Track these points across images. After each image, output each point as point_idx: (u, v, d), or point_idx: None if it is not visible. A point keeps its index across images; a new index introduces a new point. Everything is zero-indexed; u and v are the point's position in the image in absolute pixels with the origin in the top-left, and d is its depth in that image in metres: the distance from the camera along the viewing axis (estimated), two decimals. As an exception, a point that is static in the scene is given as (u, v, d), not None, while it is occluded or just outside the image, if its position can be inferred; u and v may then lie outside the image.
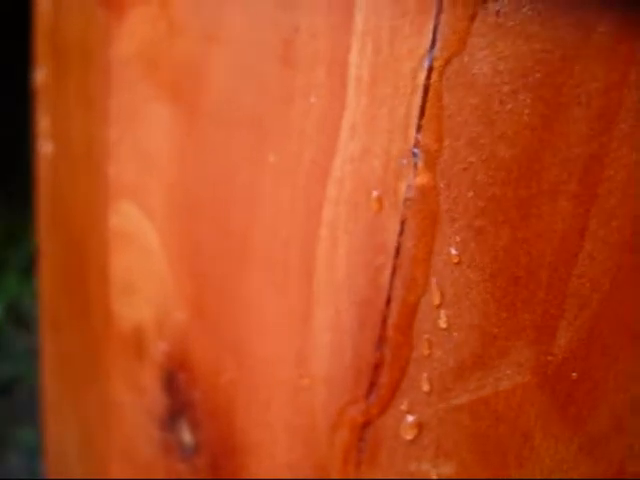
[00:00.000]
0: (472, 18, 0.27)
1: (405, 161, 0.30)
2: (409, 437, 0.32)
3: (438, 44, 0.28)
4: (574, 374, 0.28)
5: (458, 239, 0.29)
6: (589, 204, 0.27)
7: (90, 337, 0.49)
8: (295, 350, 0.35)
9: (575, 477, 0.29)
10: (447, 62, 0.28)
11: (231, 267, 0.37)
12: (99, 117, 0.44)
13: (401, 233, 0.30)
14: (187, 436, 0.42)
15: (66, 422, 0.56)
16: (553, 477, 0.29)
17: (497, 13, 0.27)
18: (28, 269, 1.19)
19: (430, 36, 0.28)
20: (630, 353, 0.27)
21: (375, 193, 0.31)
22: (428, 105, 0.29)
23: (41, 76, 0.54)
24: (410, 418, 0.32)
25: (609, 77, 0.25)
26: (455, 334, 0.30)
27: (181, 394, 0.42)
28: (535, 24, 0.26)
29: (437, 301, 0.30)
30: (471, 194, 0.28)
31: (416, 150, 0.29)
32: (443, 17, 0.28)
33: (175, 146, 0.39)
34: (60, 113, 0.51)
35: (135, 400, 0.45)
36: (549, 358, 0.28)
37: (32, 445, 0.88)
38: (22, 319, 1.14)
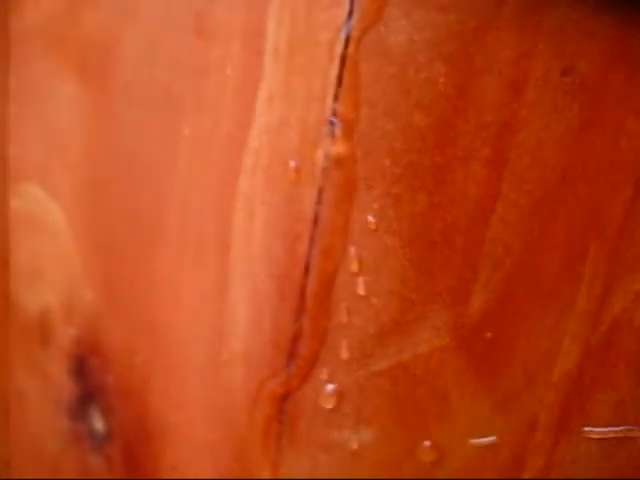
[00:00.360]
0: (388, -12, 0.28)
1: (323, 130, 0.30)
2: (329, 406, 0.32)
3: (355, 15, 0.29)
4: (488, 334, 0.29)
5: (376, 206, 0.30)
6: (501, 169, 0.28)
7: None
8: (212, 326, 0.35)
9: (491, 435, 0.30)
10: (364, 32, 0.29)
11: (144, 245, 0.37)
12: (12, 93, 0.42)
13: (319, 202, 0.31)
14: (98, 423, 0.40)
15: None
16: (470, 437, 0.31)
17: (412, -16, 0.27)
18: None
19: (347, 7, 0.29)
20: (540, 311, 0.29)
21: (292, 163, 0.31)
22: (345, 75, 0.29)
23: None
24: (330, 387, 0.32)
25: (519, 47, 0.27)
26: (374, 300, 0.31)
27: (92, 379, 0.40)
28: (449, -5, 0.27)
29: (355, 269, 0.31)
30: (388, 162, 0.29)
31: (334, 119, 0.30)
32: (360, -13, 0.28)
33: (83, 124, 0.38)
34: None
35: (39, 389, 0.43)
36: (465, 320, 0.29)
37: None
38: None
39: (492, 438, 0.30)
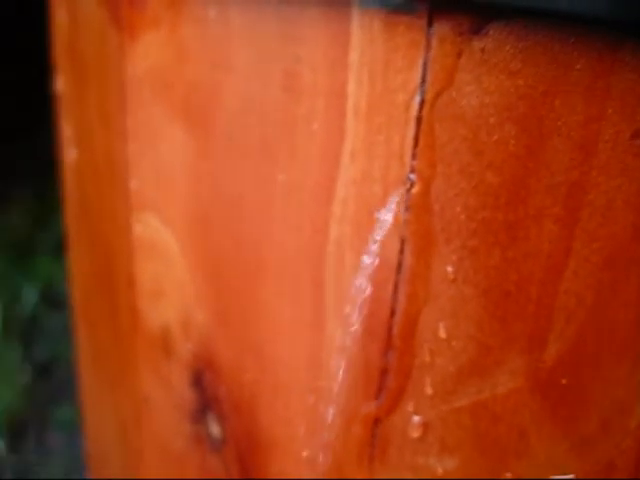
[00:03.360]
0: (459, 55, 0.29)
1: (402, 185, 0.32)
2: (416, 435, 0.35)
3: (428, 78, 0.30)
4: (563, 380, 0.30)
5: (454, 258, 0.31)
6: (572, 227, 0.29)
7: (119, 335, 0.52)
8: (309, 354, 0.38)
9: (569, 473, 0.32)
10: (437, 95, 0.30)
11: (247, 276, 0.40)
12: (118, 132, 0.46)
13: (401, 251, 0.33)
14: (215, 429, 0.45)
15: (102, 410, 0.59)
16: (549, 474, 0.32)
17: (482, 50, 0.28)
18: (58, 250, 1.23)
19: (420, 71, 0.30)
20: (614, 360, 0.30)
21: (377, 214, 0.33)
22: (421, 135, 0.31)
23: (61, 84, 0.56)
24: (416, 418, 0.35)
25: (588, 111, 0.27)
26: (454, 343, 0.32)
27: (208, 390, 0.45)
28: (517, 61, 0.28)
29: (436, 314, 0.32)
30: (463, 217, 0.31)
31: (412, 176, 0.31)
32: (431, 54, 0.29)
33: (190, 164, 0.41)
34: (82, 122, 0.53)
35: (165, 396, 0.48)
36: (540, 366, 0.31)
37: (71, 423, 0.93)
38: (56, 300, 1.18)
39: (570, 476, 0.32)
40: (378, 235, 0.33)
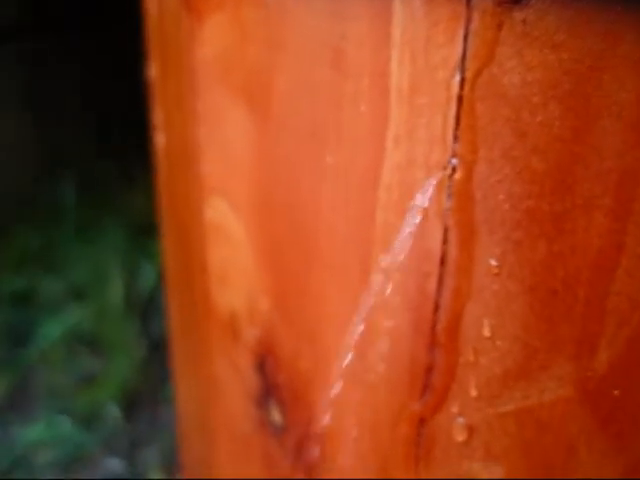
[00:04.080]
0: (499, 27, 0.26)
1: (444, 171, 0.29)
2: (461, 439, 0.32)
3: (468, 53, 0.27)
4: (616, 391, 0.27)
5: (497, 250, 0.29)
6: (625, 220, 0.25)
7: (197, 317, 0.53)
8: (359, 347, 0.36)
9: (622, 492, 0.28)
10: (478, 72, 0.27)
11: (302, 262, 0.39)
12: (190, 116, 0.47)
13: (444, 241, 0.30)
14: (277, 415, 0.45)
15: (188, 389, 0.61)
16: (601, 490, 0.29)
17: (523, 22, 0.26)
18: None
19: (461, 46, 0.27)
20: (674, 373, 0.26)
21: (420, 201, 0.31)
22: (462, 115, 0.28)
23: (152, 70, 0.58)
24: (461, 420, 0.32)
25: (639, 87, 0.24)
26: (499, 343, 0.30)
27: (270, 377, 0.44)
28: (561, 33, 0.25)
29: (480, 310, 0.30)
30: (507, 206, 0.28)
31: (454, 160, 0.29)
32: (472, 26, 0.27)
33: (251, 147, 0.41)
34: (166, 108, 0.54)
35: (233, 379, 0.48)
36: (589, 374, 0.28)
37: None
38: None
39: (623, 497, 0.28)
40: (410, 223, 0.31)
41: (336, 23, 0.33)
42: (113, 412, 1.03)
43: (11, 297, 1.19)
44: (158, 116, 0.58)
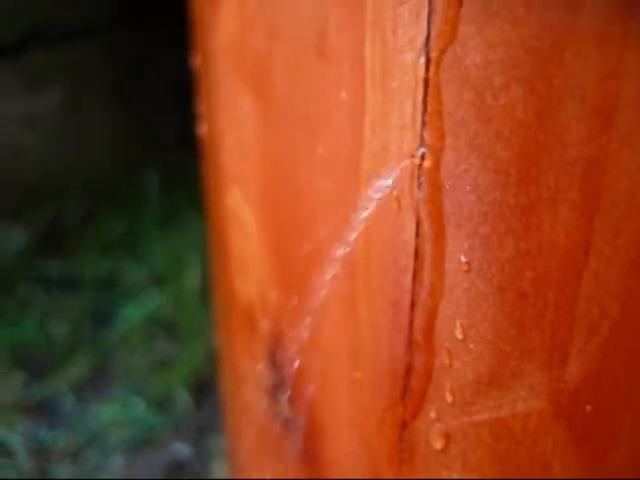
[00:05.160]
0: (460, 3, 0.24)
1: (413, 159, 0.27)
2: (438, 446, 0.30)
3: (432, 33, 0.25)
4: (588, 407, 0.24)
5: (466, 246, 0.26)
6: (591, 216, 0.23)
7: (224, 305, 0.53)
8: (349, 344, 0.35)
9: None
10: (442, 52, 0.25)
11: (303, 254, 0.38)
12: (213, 105, 0.46)
13: (417, 235, 0.28)
14: (285, 408, 0.44)
15: (226, 376, 0.61)
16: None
17: (483, -5, 0.23)
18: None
19: (425, 25, 0.25)
20: (648, 390, 0.23)
21: (395, 192, 0.29)
22: (429, 100, 0.26)
23: (196, 61, 0.58)
24: (438, 426, 0.30)
25: (603, 65, 0.21)
26: (471, 346, 0.28)
27: (279, 369, 0.43)
28: (520, 6, 0.22)
29: (452, 310, 0.28)
30: (474, 198, 0.26)
31: (423, 149, 0.27)
32: (435, 4, 0.25)
33: (257, 138, 0.40)
34: (204, 97, 0.54)
35: (250, 368, 0.48)
36: (562, 385, 0.25)
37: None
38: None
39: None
40: (397, 216, 0.29)
41: (323, 6, 0.31)
42: (184, 397, 1.06)
43: (95, 281, 1.23)
44: (201, 106, 0.58)
